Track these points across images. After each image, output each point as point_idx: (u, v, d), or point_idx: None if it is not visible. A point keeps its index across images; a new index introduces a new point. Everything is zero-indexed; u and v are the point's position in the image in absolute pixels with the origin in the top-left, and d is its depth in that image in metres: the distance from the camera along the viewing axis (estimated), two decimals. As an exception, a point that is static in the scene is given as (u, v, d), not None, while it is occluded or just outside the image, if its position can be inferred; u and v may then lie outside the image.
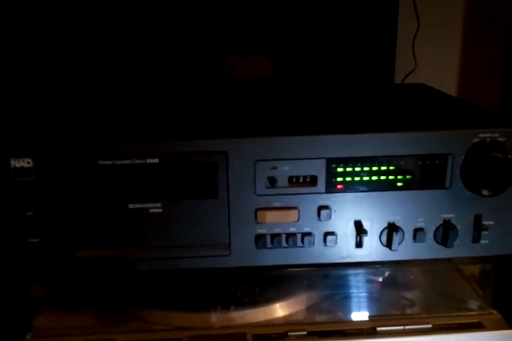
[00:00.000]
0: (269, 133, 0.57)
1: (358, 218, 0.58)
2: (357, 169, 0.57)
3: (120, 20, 0.97)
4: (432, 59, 1.13)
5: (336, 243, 0.58)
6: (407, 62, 1.10)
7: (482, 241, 0.59)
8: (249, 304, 0.64)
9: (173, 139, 0.55)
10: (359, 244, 0.58)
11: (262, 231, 0.57)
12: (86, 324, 0.63)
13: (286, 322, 0.63)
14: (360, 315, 0.65)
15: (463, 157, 0.57)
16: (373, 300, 0.67)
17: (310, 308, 0.65)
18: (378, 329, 0.61)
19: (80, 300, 0.66)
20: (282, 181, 0.57)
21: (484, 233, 0.59)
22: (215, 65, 1.03)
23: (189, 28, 1.00)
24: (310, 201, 0.57)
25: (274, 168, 0.56)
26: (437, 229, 0.59)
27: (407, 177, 0.58)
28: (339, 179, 0.57)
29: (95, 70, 0.98)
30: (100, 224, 0.56)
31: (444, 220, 0.59)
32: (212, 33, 1.00)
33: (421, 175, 0.58)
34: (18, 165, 0.54)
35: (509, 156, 0.56)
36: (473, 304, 0.66)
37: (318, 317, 0.64)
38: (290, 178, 0.57)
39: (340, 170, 0.57)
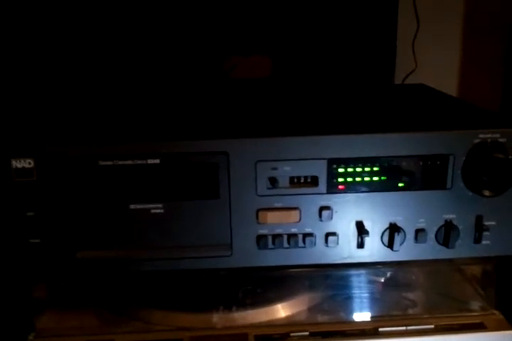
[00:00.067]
0: (270, 134, 0.57)
1: (359, 218, 0.58)
2: (358, 169, 0.57)
3: (120, 21, 0.97)
4: (432, 59, 1.13)
5: (337, 243, 0.58)
6: (408, 62, 1.10)
7: (483, 242, 0.59)
8: (251, 304, 0.64)
9: (174, 140, 0.55)
10: (360, 245, 0.58)
11: (263, 231, 0.57)
12: (88, 324, 0.63)
13: (288, 322, 0.63)
14: (362, 315, 0.65)
15: (464, 157, 0.57)
16: (375, 301, 0.67)
17: (312, 309, 0.65)
18: (380, 329, 0.61)
19: (82, 301, 0.66)
20: (283, 181, 0.57)
21: (486, 233, 0.59)
22: (215, 65, 1.03)
23: (189, 28, 1.00)
24: (311, 201, 0.57)
25: (275, 168, 0.56)
26: (439, 229, 0.59)
27: (408, 177, 0.58)
28: (340, 179, 0.57)
29: (96, 71, 0.98)
30: (101, 225, 0.56)
31: (446, 221, 0.59)
32: (212, 33, 1.00)
33: (422, 175, 0.58)
34: (19, 165, 0.54)
35: (510, 157, 0.56)
36: (475, 305, 0.66)
37: (320, 318, 0.64)
38: (291, 179, 0.57)
39: (341, 170, 0.57)
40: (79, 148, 0.54)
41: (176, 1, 0.98)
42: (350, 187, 0.57)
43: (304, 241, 0.58)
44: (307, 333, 0.60)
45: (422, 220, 0.58)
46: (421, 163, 0.57)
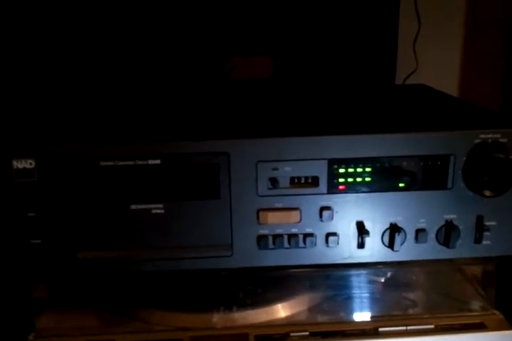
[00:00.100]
0: (270, 134, 0.57)
1: (359, 219, 0.58)
2: (359, 170, 0.57)
3: (121, 21, 0.97)
4: (433, 59, 1.13)
5: (337, 244, 0.58)
6: (409, 62, 1.10)
7: (484, 242, 0.59)
8: (252, 305, 0.64)
9: (174, 140, 0.55)
10: (361, 245, 0.58)
11: (264, 231, 0.57)
12: (88, 324, 0.63)
13: (289, 322, 0.63)
14: (362, 315, 0.65)
15: (465, 158, 0.57)
16: (375, 301, 0.67)
17: (312, 309, 0.65)
18: (380, 329, 0.61)
19: (82, 301, 0.66)
20: (284, 182, 0.57)
21: (486, 234, 0.59)
22: (216, 66, 1.03)
23: (190, 28, 1.00)
24: (312, 202, 0.57)
25: (276, 168, 0.56)
26: (439, 229, 0.59)
27: (409, 177, 0.58)
28: (341, 180, 0.57)
29: (97, 71, 0.99)
30: (102, 225, 0.56)
31: (446, 221, 0.59)
32: (213, 33, 1.00)
33: (423, 175, 0.58)
34: (20, 166, 0.54)
35: (511, 157, 0.56)
36: (476, 304, 0.66)
37: (321, 318, 0.64)
38: (292, 179, 0.57)
39: (341, 170, 0.57)
40: (80, 148, 0.54)
41: (176, 1, 0.98)
42: (351, 188, 0.57)
43: (304, 242, 0.58)
44: (307, 333, 0.60)
45: (422, 220, 0.59)
46: (421, 163, 0.57)
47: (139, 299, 0.66)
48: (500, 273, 0.69)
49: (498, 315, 0.64)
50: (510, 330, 0.61)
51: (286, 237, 0.58)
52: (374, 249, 0.59)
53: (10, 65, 0.96)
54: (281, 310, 0.64)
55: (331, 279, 0.69)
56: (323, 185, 0.57)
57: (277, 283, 0.68)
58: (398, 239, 0.58)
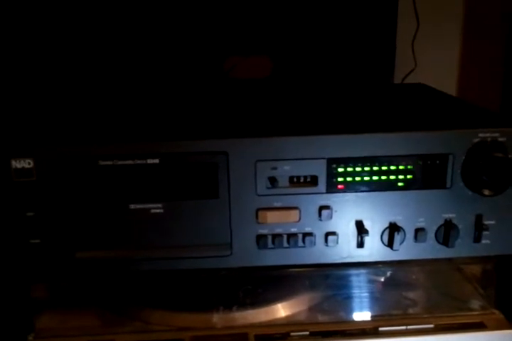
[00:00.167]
0: (269, 134, 0.57)
1: (359, 218, 0.58)
2: (357, 169, 0.57)
3: (120, 21, 0.97)
4: (431, 59, 1.13)
5: (337, 243, 0.58)
6: (407, 62, 1.10)
7: (483, 241, 0.59)
8: (251, 304, 0.64)
9: (173, 139, 0.55)
10: (360, 244, 0.58)
11: (263, 231, 0.57)
12: (87, 324, 0.63)
13: (289, 322, 0.63)
14: (362, 315, 0.65)
15: (464, 157, 0.57)
16: (375, 300, 0.67)
17: (312, 308, 0.65)
18: (380, 329, 0.61)
19: (82, 301, 0.66)
20: (283, 181, 0.57)
21: (485, 233, 0.59)
22: (215, 65, 1.03)
23: (189, 27, 1.00)
24: (311, 201, 0.57)
25: (275, 168, 0.56)
26: (438, 228, 0.59)
27: (408, 177, 0.58)
28: (340, 179, 0.57)
29: (95, 71, 0.98)
30: (101, 225, 0.56)
31: (445, 220, 0.59)
32: (212, 32, 1.00)
33: (422, 175, 0.58)
34: (18, 165, 0.54)
35: (510, 156, 0.56)
36: (475, 304, 0.66)
37: (321, 318, 0.64)
38: (291, 178, 0.57)
39: (340, 170, 0.57)
40: (79, 148, 0.54)
41: (176, 1, 0.98)
42: (350, 187, 0.57)
43: (303, 241, 0.58)
44: (307, 333, 0.60)
45: (421, 219, 0.59)
46: (420, 163, 0.57)
47: (139, 299, 0.65)
48: (500, 272, 0.69)
49: (497, 314, 0.64)
50: (509, 330, 0.61)
51: (285, 237, 0.58)
52: (373, 249, 0.59)
53: (10, 64, 0.96)
54: (281, 310, 0.64)
55: (330, 279, 0.69)
56: (322, 185, 0.57)
57: (277, 282, 0.68)
58: (397, 238, 0.58)
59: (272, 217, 0.57)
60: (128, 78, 0.99)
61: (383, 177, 0.58)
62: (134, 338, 0.60)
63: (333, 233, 0.58)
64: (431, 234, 0.59)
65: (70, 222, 0.56)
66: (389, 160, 0.57)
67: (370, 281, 0.70)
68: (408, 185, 0.58)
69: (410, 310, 0.65)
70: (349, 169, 0.57)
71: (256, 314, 0.63)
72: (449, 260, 0.70)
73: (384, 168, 0.57)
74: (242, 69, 1.03)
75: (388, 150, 0.57)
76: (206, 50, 1.01)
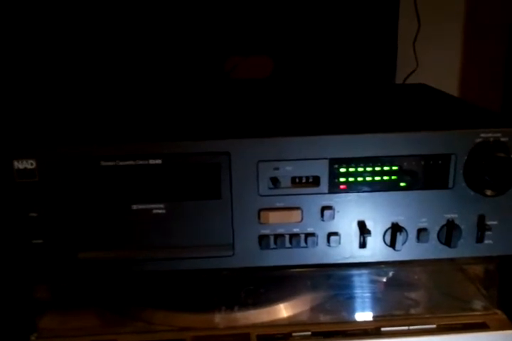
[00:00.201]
0: (271, 134, 0.57)
1: (361, 218, 0.58)
2: (360, 169, 0.57)
3: (121, 21, 0.97)
4: (433, 59, 1.13)
5: (339, 243, 0.58)
6: (409, 62, 1.10)
7: (486, 241, 0.59)
8: (253, 304, 0.64)
9: (175, 140, 0.55)
10: (363, 245, 0.58)
11: (265, 231, 0.57)
12: (90, 325, 0.63)
13: (291, 322, 0.63)
14: (364, 315, 0.65)
15: (466, 157, 0.57)
16: (377, 301, 0.67)
17: (314, 309, 0.65)
18: (382, 329, 0.61)
19: (84, 301, 0.66)
20: (285, 181, 0.57)
21: (488, 233, 0.59)
22: (216, 65, 1.03)
23: (190, 28, 1.00)
24: (313, 201, 0.57)
25: (277, 168, 0.56)
26: (441, 229, 0.59)
27: (410, 177, 0.58)
28: (342, 179, 0.57)
29: (97, 71, 0.98)
30: (103, 225, 0.56)
31: (448, 220, 0.59)
32: (212, 33, 1.00)
33: (424, 175, 0.58)
34: (21, 166, 0.54)
35: (512, 156, 0.56)
36: (478, 304, 0.66)
37: (323, 318, 0.64)
38: (293, 179, 0.57)
39: (343, 170, 0.57)
40: (81, 148, 0.54)
41: (176, 1, 0.98)
42: (352, 187, 0.57)
43: (305, 241, 0.58)
44: (309, 333, 0.60)
45: (424, 220, 0.58)
46: (423, 163, 0.57)
47: (141, 299, 0.65)
48: (502, 272, 0.69)
49: (500, 314, 0.64)
50: (512, 330, 0.61)
51: (287, 237, 0.58)
52: (375, 249, 0.59)
53: (10, 65, 0.96)
54: (283, 310, 0.64)
55: (332, 279, 0.69)
56: (324, 185, 0.57)
57: (279, 282, 0.68)
58: (400, 238, 0.58)
59: (274, 217, 0.57)
60: (129, 79, 1.00)
61: (385, 178, 0.58)
62: (136, 338, 0.60)
63: (336, 233, 0.58)
64: (433, 235, 0.59)
65: (73, 222, 0.56)
66: (391, 160, 0.57)
67: (372, 281, 0.70)
68: (410, 185, 0.58)
69: (412, 311, 0.65)
70: (351, 169, 0.57)
71: (258, 314, 0.63)
72: (452, 260, 0.70)
73: (386, 168, 0.57)
74: (243, 70, 1.03)
75: (390, 150, 0.57)
76: (207, 50, 1.01)
